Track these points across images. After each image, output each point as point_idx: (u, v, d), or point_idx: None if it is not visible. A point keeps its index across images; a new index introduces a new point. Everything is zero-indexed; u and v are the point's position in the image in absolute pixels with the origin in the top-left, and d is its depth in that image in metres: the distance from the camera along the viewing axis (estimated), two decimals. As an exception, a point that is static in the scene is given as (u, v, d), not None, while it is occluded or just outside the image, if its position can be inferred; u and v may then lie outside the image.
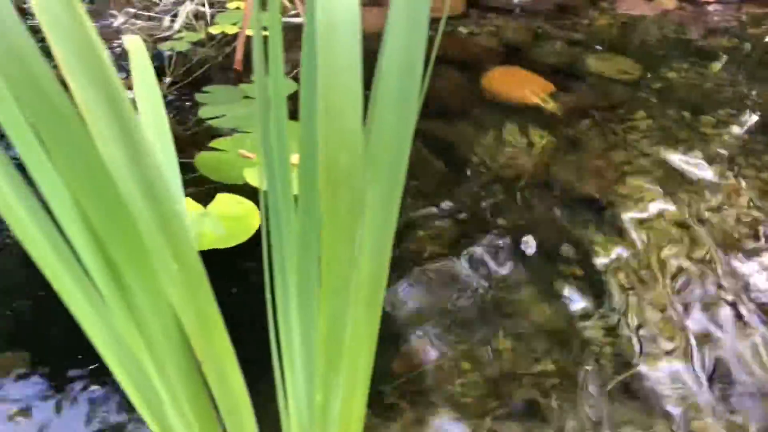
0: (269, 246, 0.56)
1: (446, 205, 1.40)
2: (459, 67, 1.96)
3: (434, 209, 1.39)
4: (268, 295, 0.57)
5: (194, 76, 1.74)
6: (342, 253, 0.46)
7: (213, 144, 1.47)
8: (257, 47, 0.50)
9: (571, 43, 2.10)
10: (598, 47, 2.08)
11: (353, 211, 0.46)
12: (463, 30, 2.20)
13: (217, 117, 1.56)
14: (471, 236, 1.31)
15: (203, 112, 1.59)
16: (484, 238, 1.31)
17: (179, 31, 2.04)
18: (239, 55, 1.76)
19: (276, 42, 0.53)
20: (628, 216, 1.39)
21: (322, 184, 0.45)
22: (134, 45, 0.83)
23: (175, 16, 2.11)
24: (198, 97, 1.65)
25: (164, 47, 1.89)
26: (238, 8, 2.32)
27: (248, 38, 1.93)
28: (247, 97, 1.65)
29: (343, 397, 0.55)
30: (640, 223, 1.38)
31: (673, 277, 1.24)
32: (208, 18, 2.14)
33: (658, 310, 1.18)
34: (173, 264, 0.48)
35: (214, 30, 2.05)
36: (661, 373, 1.07)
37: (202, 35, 2.01)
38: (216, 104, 1.61)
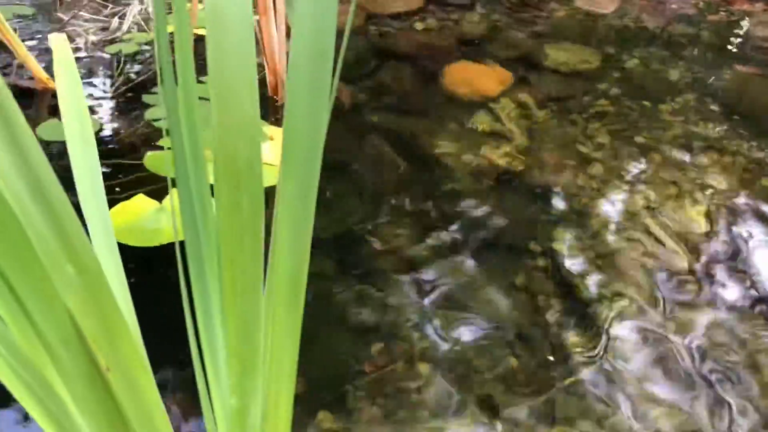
0: (183, 243, 0.54)
1: (403, 202, 1.39)
2: (416, 63, 1.94)
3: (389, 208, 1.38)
4: (184, 294, 0.54)
5: (142, 78, 1.71)
6: (246, 248, 0.44)
7: (161, 142, 1.45)
8: (159, 51, 0.48)
9: (531, 36, 2.10)
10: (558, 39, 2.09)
11: (255, 203, 0.44)
12: (419, 25, 2.19)
13: (164, 118, 1.54)
14: (427, 236, 1.30)
15: (150, 114, 1.55)
16: (441, 233, 1.30)
17: (128, 32, 2.00)
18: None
19: (184, 42, 0.51)
20: (587, 207, 1.39)
21: (220, 176, 0.43)
22: (59, 43, 0.80)
23: (123, 17, 2.07)
24: (145, 98, 1.61)
25: (111, 50, 1.84)
26: (189, 9, 2.29)
27: (197, 37, 1.90)
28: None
29: (266, 400, 0.53)
30: (598, 214, 1.38)
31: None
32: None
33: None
34: (69, 268, 0.46)
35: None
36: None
37: (151, 36, 1.98)
38: (164, 105, 1.58)
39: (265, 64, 1.52)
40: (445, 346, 1.07)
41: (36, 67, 1.60)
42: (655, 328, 1.12)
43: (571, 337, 1.10)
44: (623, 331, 1.12)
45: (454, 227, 1.32)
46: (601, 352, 1.07)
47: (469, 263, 1.24)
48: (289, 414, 0.56)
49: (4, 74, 1.74)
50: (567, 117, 1.69)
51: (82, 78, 1.78)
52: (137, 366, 0.48)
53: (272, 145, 1.46)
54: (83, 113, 0.74)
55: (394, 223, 1.32)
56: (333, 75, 0.54)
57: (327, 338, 1.08)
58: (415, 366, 1.03)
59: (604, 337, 1.10)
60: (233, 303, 0.45)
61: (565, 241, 1.31)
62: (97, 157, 0.71)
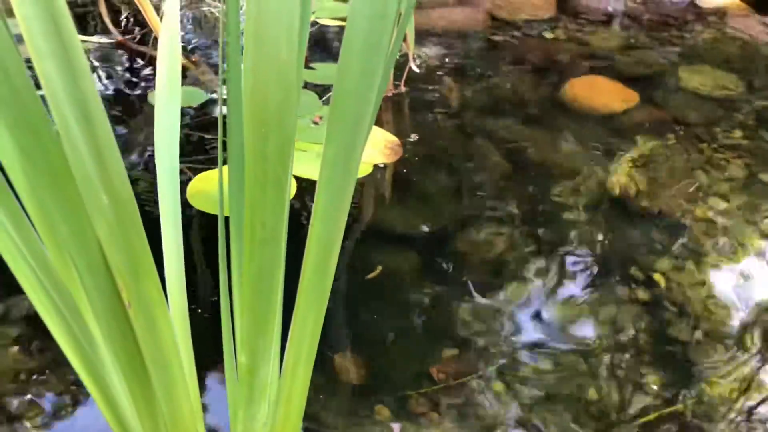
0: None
1: (501, 207, 1.36)
2: (537, 71, 1.90)
3: (488, 211, 1.35)
4: (222, 253, 0.56)
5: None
6: (269, 199, 0.44)
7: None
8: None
9: (666, 56, 1.99)
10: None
11: (283, 153, 0.44)
12: (547, 35, 2.14)
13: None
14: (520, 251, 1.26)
15: None
16: (533, 252, 1.25)
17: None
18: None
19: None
20: (700, 241, 1.28)
21: (248, 121, 0.43)
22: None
23: None
24: None
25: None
26: None
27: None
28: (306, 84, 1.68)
29: (283, 367, 0.53)
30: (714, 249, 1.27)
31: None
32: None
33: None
34: (104, 197, 0.48)
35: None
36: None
37: None
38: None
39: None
40: (521, 369, 1.02)
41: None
42: None
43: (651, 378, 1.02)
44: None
45: (550, 241, 1.27)
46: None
47: (559, 281, 1.19)
48: (305, 386, 0.55)
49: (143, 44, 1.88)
50: (694, 144, 1.58)
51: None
52: (157, 307, 0.50)
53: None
54: (175, 66, 0.78)
55: (488, 229, 1.30)
56: (394, 41, 0.53)
57: (398, 336, 1.07)
58: (488, 384, 0.99)
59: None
60: (250, 254, 0.45)
61: (667, 274, 1.22)
62: (179, 115, 0.75)
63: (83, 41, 1.91)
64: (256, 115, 0.43)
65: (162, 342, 0.51)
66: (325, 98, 1.64)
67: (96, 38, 1.91)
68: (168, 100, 0.74)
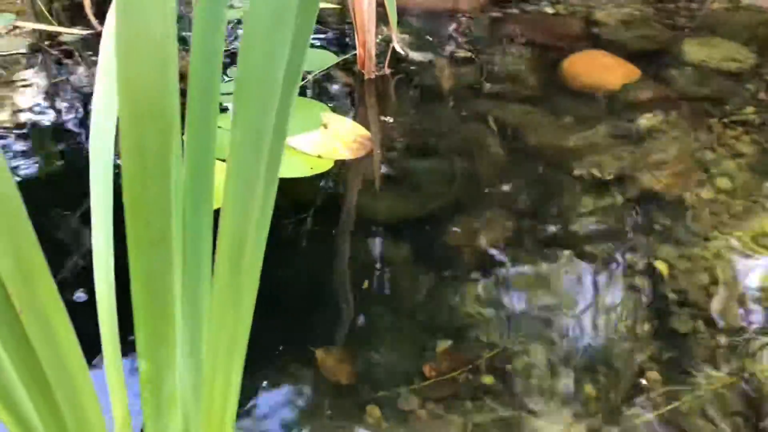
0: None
1: (496, 194, 1.30)
2: (538, 48, 1.83)
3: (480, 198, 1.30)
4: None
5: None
6: (150, 195, 0.40)
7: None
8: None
9: (671, 28, 1.91)
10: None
11: (163, 143, 0.39)
12: (548, 9, 2.07)
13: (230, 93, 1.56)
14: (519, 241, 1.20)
15: (223, 86, 1.59)
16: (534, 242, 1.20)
17: None
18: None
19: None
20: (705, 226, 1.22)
21: (122, 107, 0.39)
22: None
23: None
24: (229, 71, 1.64)
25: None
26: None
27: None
28: None
29: (202, 374, 0.49)
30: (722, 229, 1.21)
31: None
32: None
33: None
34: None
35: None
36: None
37: None
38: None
39: (356, 36, 1.49)
40: (515, 358, 0.97)
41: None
42: None
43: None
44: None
45: (546, 226, 1.21)
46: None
47: (557, 269, 1.13)
48: (230, 396, 0.51)
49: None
50: (702, 121, 1.50)
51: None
52: (53, 313, 0.46)
53: (323, 134, 1.39)
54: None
55: (482, 215, 1.24)
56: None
57: (389, 329, 1.02)
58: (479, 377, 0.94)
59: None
60: (136, 257, 0.41)
61: (670, 260, 1.16)
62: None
63: (66, 33, 1.89)
64: (130, 99, 0.38)
65: (61, 349, 0.47)
66: (301, 84, 1.58)
67: (77, 30, 1.89)
68: (107, 99, 0.70)
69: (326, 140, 1.35)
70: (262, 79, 0.45)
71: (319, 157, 1.31)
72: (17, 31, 1.90)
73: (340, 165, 1.34)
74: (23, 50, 1.81)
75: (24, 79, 1.69)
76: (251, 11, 0.45)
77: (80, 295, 1.04)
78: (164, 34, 0.38)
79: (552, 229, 1.21)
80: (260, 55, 0.45)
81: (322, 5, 2.06)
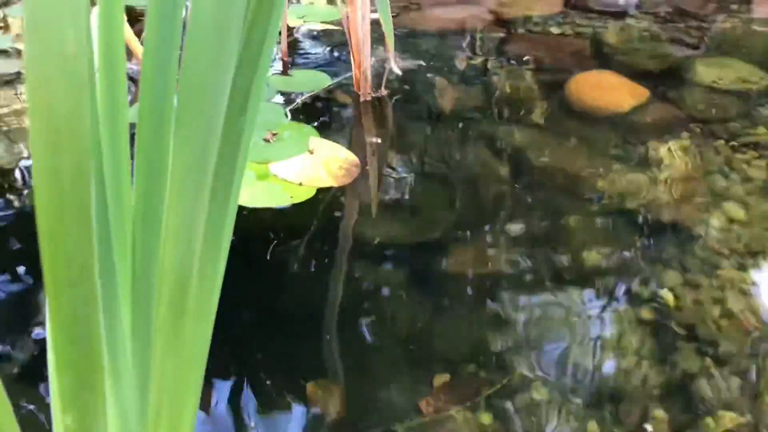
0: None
1: (501, 221, 1.24)
2: (544, 68, 1.79)
3: (486, 226, 1.24)
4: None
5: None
6: (69, 229, 0.36)
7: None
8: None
9: (681, 48, 1.86)
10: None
11: (81, 171, 0.35)
12: (555, 30, 2.03)
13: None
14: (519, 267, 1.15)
15: None
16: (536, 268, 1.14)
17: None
18: (283, 46, 1.71)
19: None
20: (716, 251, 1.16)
21: (35, 132, 0.35)
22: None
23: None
24: None
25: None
26: (311, 3, 2.31)
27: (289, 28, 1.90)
28: (280, 93, 1.60)
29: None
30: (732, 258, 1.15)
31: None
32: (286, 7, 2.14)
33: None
34: None
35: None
36: None
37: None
38: None
39: (352, 58, 1.45)
40: (516, 396, 0.91)
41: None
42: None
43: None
44: None
45: (550, 254, 1.15)
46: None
47: (560, 300, 1.08)
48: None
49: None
50: (712, 144, 1.45)
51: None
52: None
53: (308, 161, 1.31)
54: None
55: (484, 242, 1.19)
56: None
57: (383, 359, 0.97)
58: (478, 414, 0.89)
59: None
60: (56, 299, 0.37)
61: (679, 291, 1.10)
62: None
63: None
64: (40, 122, 0.34)
65: None
66: (292, 107, 1.54)
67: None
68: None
69: (310, 167, 1.29)
70: (200, 99, 0.41)
71: (301, 184, 1.24)
72: None
73: (323, 193, 1.26)
74: None
75: None
76: (191, 25, 0.41)
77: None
78: (78, 51, 0.34)
79: (556, 257, 1.16)
80: (199, 73, 0.41)
81: (321, 26, 2.04)
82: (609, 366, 0.96)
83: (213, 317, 0.49)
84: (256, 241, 1.14)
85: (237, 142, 0.47)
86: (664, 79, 1.71)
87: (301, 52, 1.86)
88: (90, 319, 0.38)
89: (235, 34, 0.42)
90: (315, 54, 1.85)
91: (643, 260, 1.15)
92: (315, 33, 2.00)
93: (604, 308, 1.06)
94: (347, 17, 1.37)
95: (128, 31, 1.31)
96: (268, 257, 1.11)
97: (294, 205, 1.21)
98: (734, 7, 2.15)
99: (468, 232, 1.20)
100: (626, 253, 1.17)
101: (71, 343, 0.38)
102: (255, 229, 1.16)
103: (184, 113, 0.42)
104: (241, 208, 1.14)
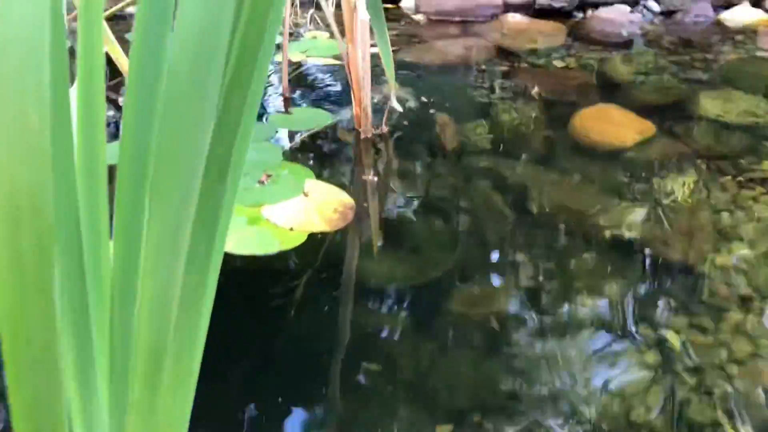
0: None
1: (503, 260, 1.22)
2: (547, 102, 1.78)
3: (489, 264, 1.22)
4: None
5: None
6: (30, 315, 0.34)
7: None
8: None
9: (686, 81, 1.85)
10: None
11: (43, 250, 0.34)
12: (558, 63, 2.02)
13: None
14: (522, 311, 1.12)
15: None
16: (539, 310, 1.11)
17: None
18: (284, 83, 1.71)
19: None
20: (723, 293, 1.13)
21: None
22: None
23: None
24: None
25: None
26: (314, 37, 2.31)
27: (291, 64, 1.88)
28: (277, 133, 1.58)
29: None
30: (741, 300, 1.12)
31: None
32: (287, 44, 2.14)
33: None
34: None
35: (277, 58, 2.04)
36: None
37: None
38: None
39: (352, 94, 1.45)
40: None
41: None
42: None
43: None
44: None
45: (554, 295, 1.13)
46: None
47: (564, 345, 1.05)
48: None
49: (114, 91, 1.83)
50: (716, 179, 1.43)
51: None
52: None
53: (302, 204, 1.27)
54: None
55: (487, 282, 1.17)
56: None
57: (383, 409, 0.94)
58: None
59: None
60: (16, 380, 0.35)
61: (685, 334, 1.07)
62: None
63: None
64: (3, 201, 0.33)
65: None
66: (289, 148, 1.52)
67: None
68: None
69: (303, 211, 1.25)
70: (174, 168, 0.40)
71: (292, 229, 1.19)
72: None
73: (314, 239, 1.21)
74: None
75: None
76: (165, 93, 0.40)
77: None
78: (41, 126, 0.33)
79: (560, 297, 1.13)
80: (173, 142, 0.40)
81: (323, 60, 2.04)
82: (615, 414, 0.93)
83: (192, 390, 0.47)
84: (238, 291, 1.09)
85: (216, 208, 0.46)
86: (670, 112, 1.69)
87: (303, 87, 1.86)
88: (52, 402, 0.36)
89: (210, 102, 0.41)
90: (317, 90, 1.84)
91: (648, 301, 1.13)
92: (317, 68, 2.00)
93: (608, 351, 1.04)
94: (347, 54, 1.37)
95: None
96: (249, 307, 1.07)
97: (281, 252, 1.16)
98: (739, 38, 2.14)
99: (470, 274, 1.18)
100: (631, 294, 1.15)
101: (33, 427, 0.36)
102: (238, 278, 1.11)
103: (157, 182, 0.41)
104: (226, 255, 1.11)
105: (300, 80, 1.90)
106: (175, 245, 0.42)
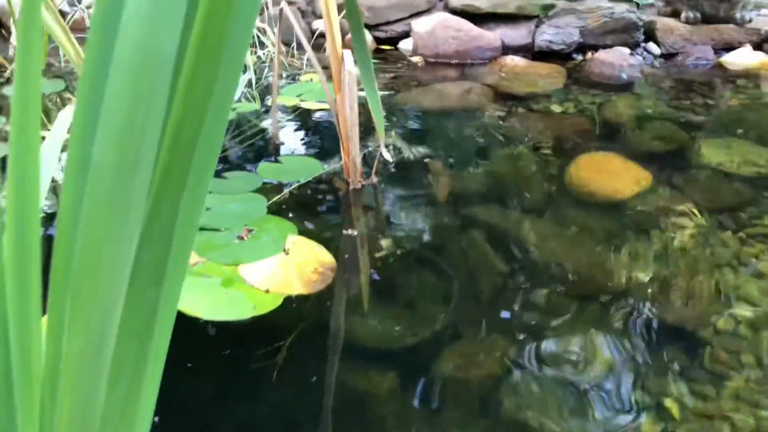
0: None
1: (495, 318, 1.17)
2: (544, 149, 1.75)
3: (483, 322, 1.17)
4: None
5: (223, 153, 1.69)
6: None
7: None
8: None
9: (686, 127, 1.82)
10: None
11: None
12: (556, 108, 2.00)
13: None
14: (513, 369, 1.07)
15: None
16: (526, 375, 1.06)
17: (237, 101, 2.03)
18: (274, 129, 1.68)
19: None
20: (721, 363, 1.08)
21: None
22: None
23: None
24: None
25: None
26: (310, 80, 2.30)
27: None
28: (265, 184, 1.52)
29: None
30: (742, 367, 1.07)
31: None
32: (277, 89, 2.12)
33: None
34: None
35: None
36: None
37: (256, 106, 1.98)
38: (220, 193, 1.44)
39: (341, 144, 1.42)
40: None
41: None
42: None
43: None
44: None
45: (549, 356, 1.08)
46: None
47: (559, 409, 1.00)
48: None
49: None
50: (717, 235, 1.39)
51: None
52: None
53: (281, 263, 1.20)
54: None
55: (479, 342, 1.12)
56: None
57: None
58: None
59: None
60: None
61: (684, 403, 1.02)
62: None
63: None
64: None
65: None
66: (275, 200, 1.45)
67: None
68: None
69: (282, 271, 1.18)
70: (94, 278, 0.36)
71: (268, 291, 1.12)
72: None
73: (289, 303, 1.13)
74: None
75: None
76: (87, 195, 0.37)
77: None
78: None
79: (555, 359, 1.09)
80: (93, 249, 0.36)
81: (318, 105, 2.02)
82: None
83: None
84: (208, 363, 1.02)
85: (149, 315, 0.42)
86: (669, 160, 1.66)
87: (295, 134, 1.83)
88: None
89: (135, 207, 0.37)
90: (310, 136, 1.81)
91: (645, 366, 1.08)
92: (311, 113, 1.98)
93: (604, 418, 0.99)
94: (336, 104, 1.34)
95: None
96: (220, 379, 1.00)
97: (255, 318, 1.08)
98: (741, 82, 2.12)
99: (459, 336, 1.13)
100: (627, 358, 1.10)
101: None
102: (208, 348, 1.04)
103: (79, 289, 0.38)
104: (197, 322, 1.06)
105: (292, 126, 1.88)
106: (97, 359, 0.38)
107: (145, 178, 0.38)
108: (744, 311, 1.18)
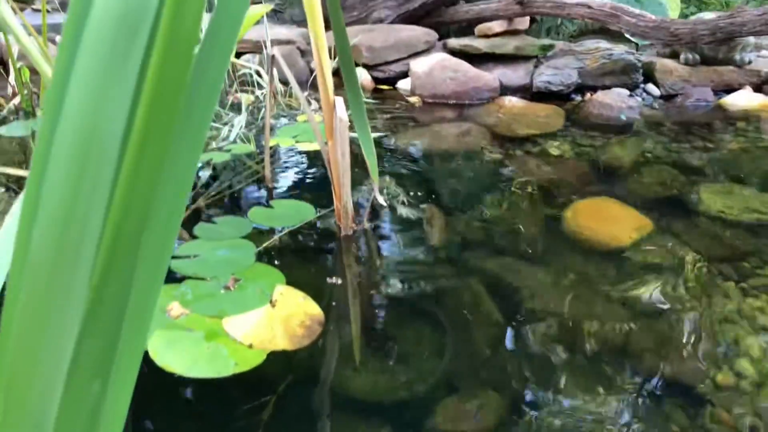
0: None
1: (489, 372, 1.13)
2: (540, 194, 1.73)
3: (478, 376, 1.12)
4: None
5: (215, 196, 1.66)
6: None
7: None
8: None
9: (686, 170, 1.79)
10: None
11: None
12: (553, 151, 1.98)
13: (185, 257, 1.32)
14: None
15: (181, 248, 1.36)
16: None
17: (233, 142, 2.01)
18: (267, 172, 1.66)
19: None
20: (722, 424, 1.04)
21: None
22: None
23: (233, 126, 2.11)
24: (196, 228, 1.45)
25: (203, 156, 1.85)
26: (306, 121, 2.28)
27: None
28: (255, 229, 1.48)
29: None
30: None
31: None
32: (269, 131, 2.11)
33: None
34: None
35: (271, 142, 2.00)
36: None
37: (252, 147, 1.97)
38: (208, 239, 1.40)
39: (333, 190, 1.39)
40: None
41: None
42: None
43: None
44: None
45: (544, 413, 1.03)
46: None
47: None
48: None
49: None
50: (718, 285, 1.35)
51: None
52: None
53: (266, 316, 1.15)
54: None
55: (475, 399, 1.08)
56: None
57: None
58: None
59: None
60: None
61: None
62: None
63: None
64: None
65: None
66: (265, 246, 1.42)
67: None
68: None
69: (267, 324, 1.14)
70: (30, 361, 0.33)
71: (251, 347, 1.07)
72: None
73: (273, 360, 1.08)
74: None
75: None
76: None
77: None
78: None
79: (551, 417, 1.04)
80: (30, 326, 0.34)
81: (313, 146, 2.00)
82: None
83: None
84: (183, 422, 0.97)
85: (93, 413, 0.38)
86: (669, 206, 1.63)
87: (289, 177, 1.81)
88: None
89: (75, 297, 0.35)
90: (303, 179, 1.79)
91: (642, 424, 1.03)
92: (306, 155, 1.96)
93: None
94: (327, 150, 1.32)
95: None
96: None
97: (236, 375, 1.02)
98: (741, 124, 2.10)
99: (456, 386, 1.09)
100: (624, 416, 1.05)
101: None
102: (186, 408, 1.00)
103: (12, 384, 0.34)
104: (176, 380, 1.02)
105: (286, 168, 1.86)
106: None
107: (85, 269, 0.35)
108: (747, 368, 1.13)
